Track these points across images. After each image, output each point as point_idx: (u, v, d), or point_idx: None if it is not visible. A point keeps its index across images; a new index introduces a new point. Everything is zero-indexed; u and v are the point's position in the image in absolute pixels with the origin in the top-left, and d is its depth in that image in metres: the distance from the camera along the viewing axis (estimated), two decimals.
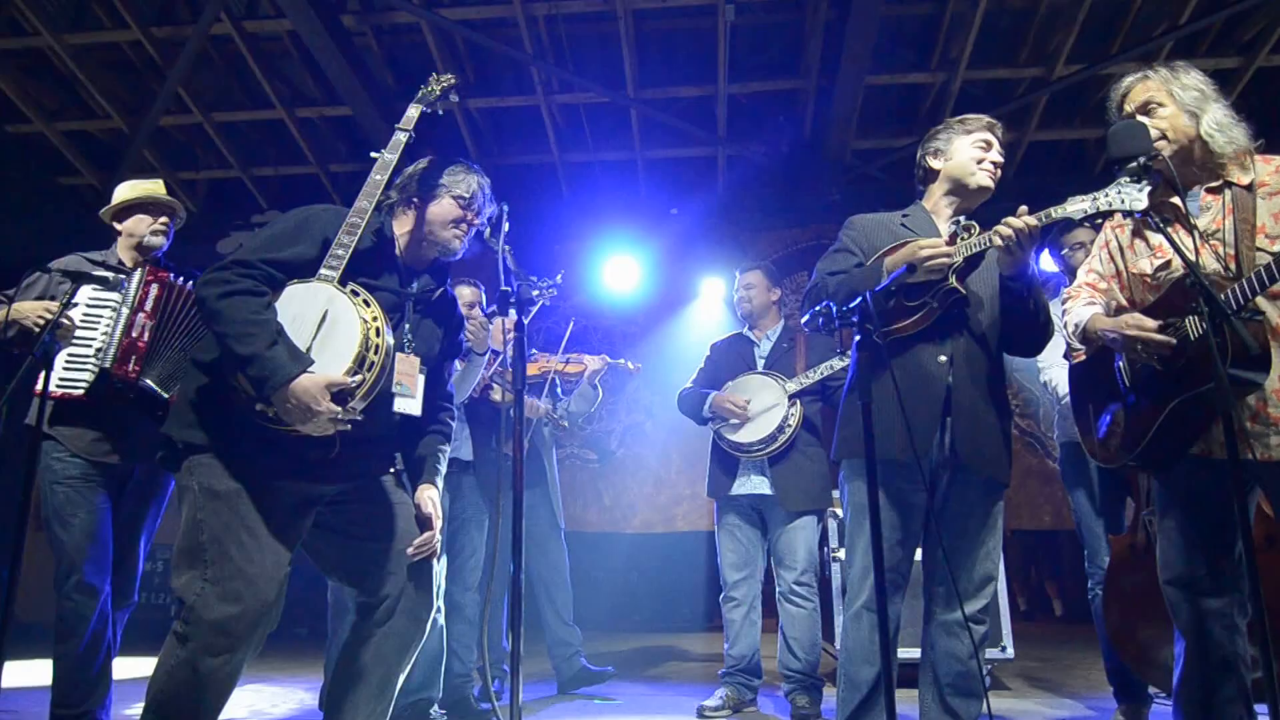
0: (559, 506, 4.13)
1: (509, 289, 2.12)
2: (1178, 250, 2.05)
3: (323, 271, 2.09)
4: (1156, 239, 2.38)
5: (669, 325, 6.40)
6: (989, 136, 2.55)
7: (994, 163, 2.54)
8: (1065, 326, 2.47)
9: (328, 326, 2.04)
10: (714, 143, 6.31)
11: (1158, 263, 2.36)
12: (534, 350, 4.26)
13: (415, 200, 2.30)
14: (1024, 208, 2.26)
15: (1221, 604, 2.24)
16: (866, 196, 6.02)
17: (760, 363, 3.76)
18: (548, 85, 5.97)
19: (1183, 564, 2.27)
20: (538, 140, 6.47)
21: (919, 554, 2.56)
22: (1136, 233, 2.45)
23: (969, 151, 2.53)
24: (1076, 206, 2.22)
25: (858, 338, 2.08)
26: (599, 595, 6.51)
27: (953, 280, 2.34)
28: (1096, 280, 2.50)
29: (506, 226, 2.37)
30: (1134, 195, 2.14)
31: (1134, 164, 2.13)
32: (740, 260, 6.50)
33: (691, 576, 6.39)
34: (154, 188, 3.16)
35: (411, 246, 2.31)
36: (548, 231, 6.64)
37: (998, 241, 2.28)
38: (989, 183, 2.53)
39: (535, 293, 2.51)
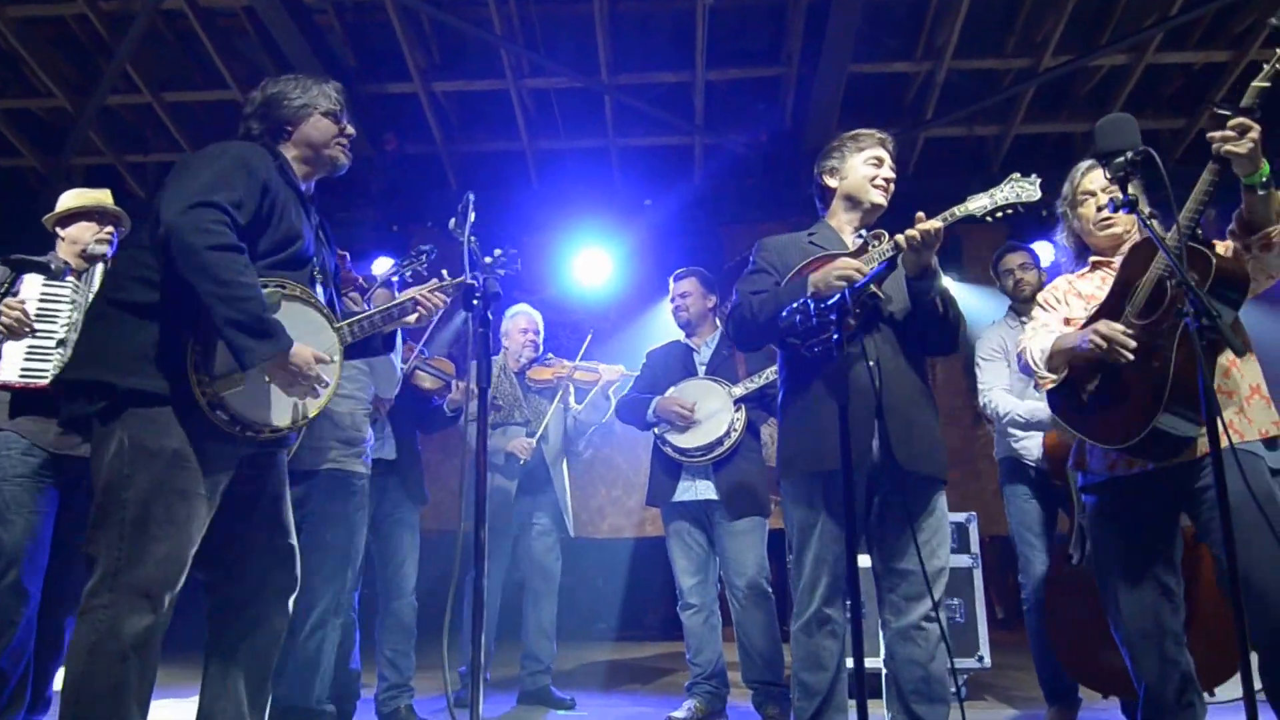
0: (568, 516, 4.17)
1: (474, 282, 2.12)
2: (1161, 245, 2.14)
3: (343, 329, 2.30)
4: (1089, 289, 2.64)
5: (642, 322, 6.39)
6: (880, 152, 2.71)
7: (886, 178, 2.71)
8: (1032, 362, 2.62)
9: None
10: (691, 131, 6.31)
11: (1092, 308, 2.56)
12: (550, 355, 4.26)
13: (288, 129, 2.33)
14: (921, 214, 2.41)
15: (1175, 622, 2.41)
16: None
17: (701, 369, 3.86)
18: (518, 69, 5.94)
19: (1141, 596, 2.42)
20: (507, 126, 6.43)
21: (863, 561, 2.64)
22: (1070, 290, 2.70)
23: (862, 170, 2.69)
24: (977, 204, 2.45)
25: (834, 340, 2.13)
26: (566, 602, 6.49)
27: (872, 286, 2.43)
28: (1051, 323, 2.69)
29: (473, 216, 2.38)
30: (1028, 190, 2.39)
31: (1121, 159, 2.20)
32: (716, 254, 6.54)
33: (661, 583, 6.42)
34: (102, 197, 3.22)
35: (306, 173, 2.36)
36: (517, 222, 6.60)
37: (904, 245, 2.41)
38: (882, 200, 2.71)
39: (488, 260, 2.56)
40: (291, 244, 2.20)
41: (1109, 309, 2.45)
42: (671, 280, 4.04)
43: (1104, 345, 2.32)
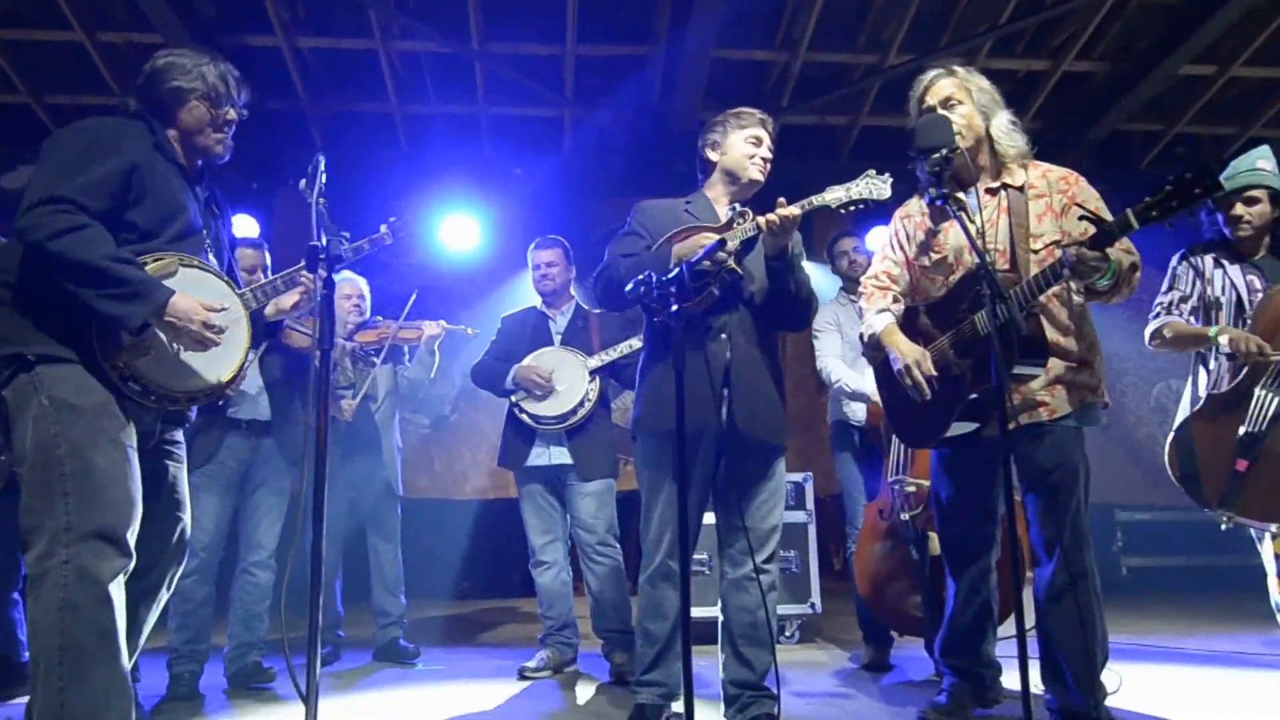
0: (396, 475, 4.11)
1: (318, 244, 2.05)
2: (969, 237, 2.26)
3: (247, 294, 2.28)
4: (936, 234, 2.66)
5: (509, 288, 6.33)
6: (760, 132, 2.78)
7: (764, 158, 2.77)
8: (861, 335, 2.72)
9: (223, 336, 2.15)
10: (561, 103, 6.26)
11: (936, 256, 2.65)
12: (379, 318, 4.19)
13: (165, 111, 2.27)
14: (782, 199, 2.50)
15: (987, 558, 2.66)
16: None
17: (557, 339, 3.90)
18: (387, 29, 5.72)
19: (962, 531, 2.68)
20: (375, 87, 6.19)
21: (708, 518, 2.75)
22: (920, 225, 2.74)
23: (742, 147, 2.75)
24: (833, 195, 2.52)
25: (672, 311, 2.19)
26: (430, 562, 6.48)
27: (731, 263, 2.54)
28: (891, 268, 2.76)
29: (324, 178, 2.28)
30: (879, 186, 2.47)
31: (937, 154, 2.33)
32: (584, 225, 6.52)
33: (523, 542, 6.53)
34: None
35: (184, 154, 2.30)
36: (385, 185, 6.39)
37: (764, 227, 2.51)
38: (759, 177, 2.77)
39: (380, 233, 2.71)
40: (174, 217, 2.16)
41: (940, 312, 2.58)
42: (533, 248, 4.01)
43: (908, 381, 2.50)
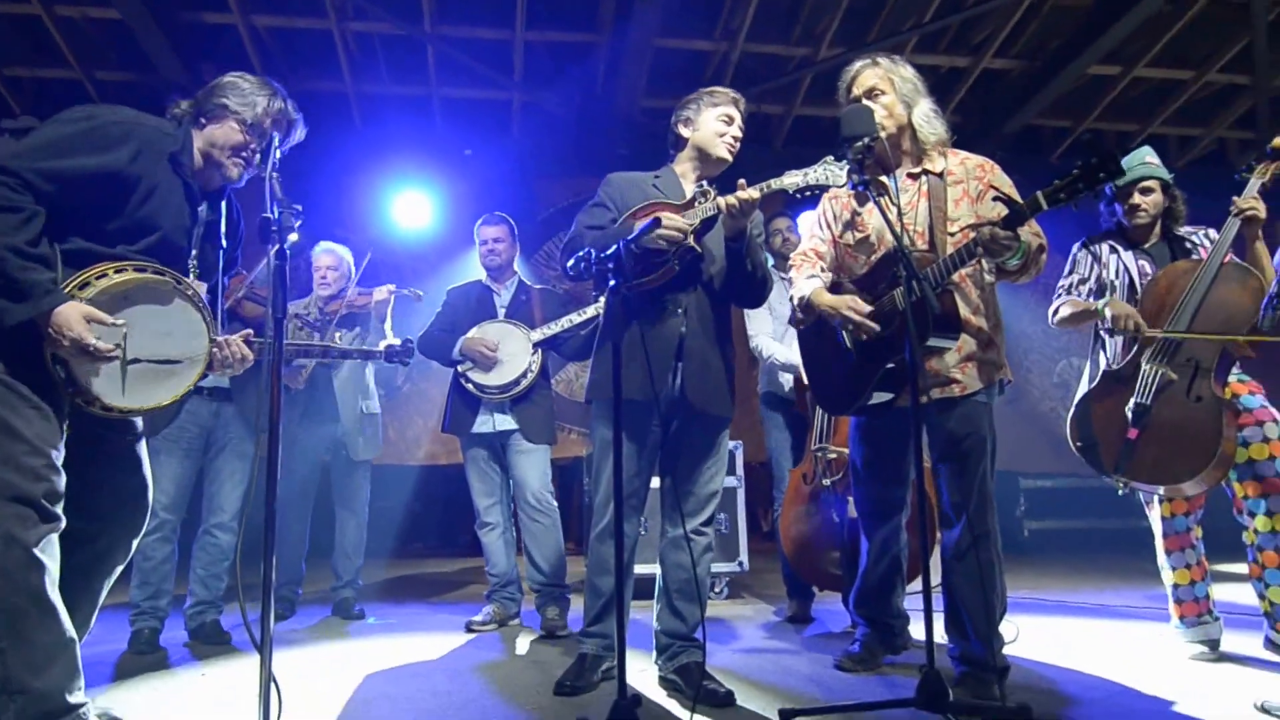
0: (356, 441, 4.04)
1: (270, 216, 2.00)
2: (887, 221, 2.31)
3: (219, 342, 2.17)
4: (860, 215, 2.69)
5: (460, 263, 6.26)
6: (732, 111, 2.71)
7: (735, 137, 2.71)
8: (792, 298, 2.73)
9: (171, 370, 2.07)
10: (510, 87, 6.18)
11: (859, 236, 2.68)
12: (357, 289, 4.09)
13: (202, 119, 2.18)
14: (742, 180, 2.45)
15: (898, 519, 2.76)
16: (652, 152, 6.11)
17: (501, 312, 3.88)
18: (341, 10, 5.58)
19: (876, 494, 2.76)
20: (330, 67, 6.04)
21: (655, 482, 2.76)
22: (846, 206, 2.76)
23: (713, 125, 2.68)
24: (791, 180, 2.46)
25: (610, 286, 2.19)
26: (384, 524, 6.44)
27: (690, 240, 2.51)
28: (819, 245, 2.79)
29: (278, 154, 2.23)
30: (835, 173, 2.43)
31: (860, 143, 2.36)
32: (532, 204, 6.46)
33: (472, 505, 6.55)
34: None
35: (202, 168, 2.19)
36: (339, 163, 6.26)
37: (724, 208, 2.47)
38: (728, 155, 2.70)
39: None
40: (147, 233, 2.04)
41: (862, 288, 2.60)
42: (480, 225, 3.97)
43: (850, 325, 2.51)
